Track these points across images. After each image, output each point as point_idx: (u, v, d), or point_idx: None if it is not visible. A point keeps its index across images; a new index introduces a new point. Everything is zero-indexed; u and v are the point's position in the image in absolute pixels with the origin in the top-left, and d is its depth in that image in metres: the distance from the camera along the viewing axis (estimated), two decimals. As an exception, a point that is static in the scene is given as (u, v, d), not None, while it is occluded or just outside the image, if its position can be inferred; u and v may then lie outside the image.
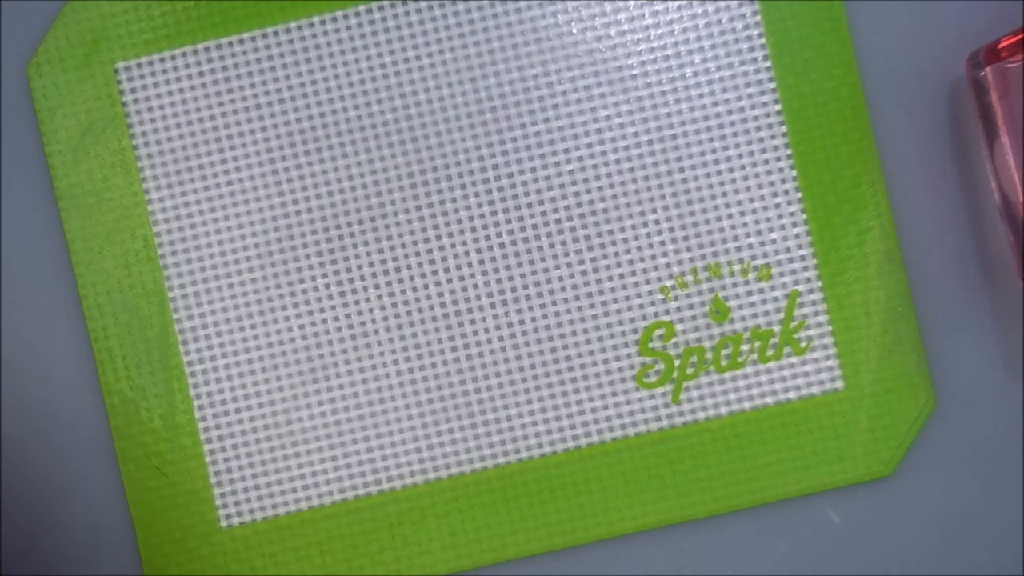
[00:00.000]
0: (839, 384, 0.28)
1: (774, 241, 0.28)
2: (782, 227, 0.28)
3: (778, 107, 0.28)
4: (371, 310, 0.28)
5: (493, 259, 0.28)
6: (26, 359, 0.29)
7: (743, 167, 0.28)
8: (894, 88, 0.28)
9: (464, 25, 0.28)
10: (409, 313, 0.28)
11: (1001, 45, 0.26)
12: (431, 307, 0.28)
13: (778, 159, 0.28)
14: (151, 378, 0.28)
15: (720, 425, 0.28)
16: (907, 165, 0.29)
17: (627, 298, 0.28)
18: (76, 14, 0.28)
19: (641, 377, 0.28)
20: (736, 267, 0.28)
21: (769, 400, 0.28)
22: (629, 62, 0.28)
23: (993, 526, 0.28)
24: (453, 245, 0.28)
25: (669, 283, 0.28)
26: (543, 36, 0.28)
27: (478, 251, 0.28)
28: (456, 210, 0.28)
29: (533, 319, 0.28)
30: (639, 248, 0.28)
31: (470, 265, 0.28)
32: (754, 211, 0.28)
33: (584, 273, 0.28)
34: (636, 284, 0.28)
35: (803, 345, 0.28)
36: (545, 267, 0.28)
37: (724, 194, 0.28)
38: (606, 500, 0.28)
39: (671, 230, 0.28)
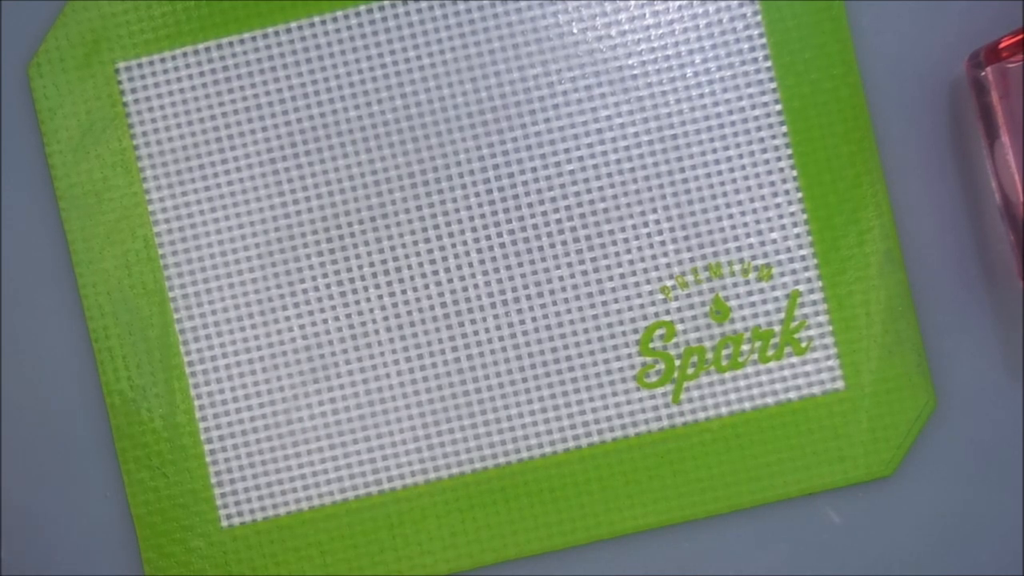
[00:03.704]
0: (839, 384, 0.28)
1: (774, 241, 0.28)
2: (782, 227, 0.28)
3: (778, 107, 0.28)
4: (371, 310, 0.28)
5: (493, 259, 0.28)
6: (26, 359, 0.29)
7: (743, 167, 0.28)
8: (894, 88, 0.29)
9: (464, 25, 0.28)
10: (409, 313, 0.28)
11: (1001, 45, 0.26)
12: (431, 307, 0.28)
13: (778, 159, 0.28)
14: (151, 378, 0.28)
15: (720, 425, 0.28)
16: (907, 165, 0.29)
17: (627, 298, 0.28)
18: (76, 14, 0.28)
19: (642, 377, 0.28)
20: (736, 267, 0.28)
21: (769, 400, 0.28)
22: (629, 62, 0.28)
23: (993, 526, 0.28)
24: (453, 245, 0.28)
25: (669, 283, 0.28)
26: (543, 36, 0.28)
27: (478, 251, 0.28)
28: (456, 210, 0.28)
29: (533, 319, 0.28)
30: (639, 248, 0.28)
31: (470, 265, 0.28)
32: (754, 211, 0.28)
33: (584, 273, 0.28)
34: (636, 284, 0.28)
35: (803, 345, 0.28)
36: (545, 267, 0.28)
37: (724, 194, 0.28)
38: (606, 500, 0.28)
39: (671, 230, 0.28)
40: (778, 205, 0.28)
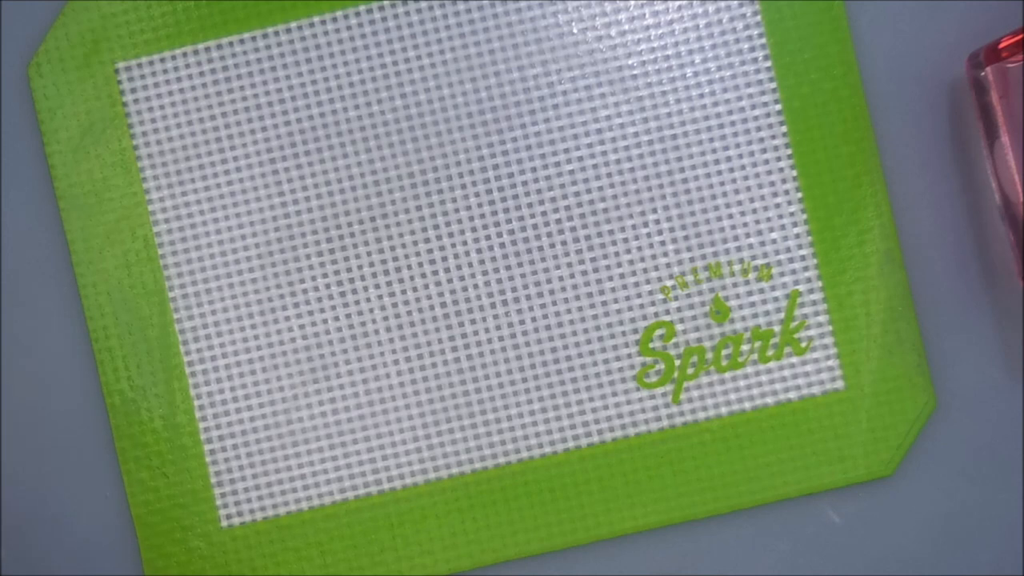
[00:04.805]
0: (839, 384, 0.28)
1: (774, 241, 0.28)
2: (782, 227, 0.28)
3: (778, 107, 0.28)
4: (371, 310, 0.28)
5: (493, 259, 0.28)
6: (26, 359, 0.29)
7: (743, 167, 0.28)
8: (894, 88, 0.29)
9: (464, 25, 0.28)
10: (409, 313, 0.28)
11: (1001, 45, 0.26)
12: (431, 307, 0.28)
13: (778, 159, 0.28)
14: (151, 378, 0.28)
15: (720, 425, 0.28)
16: (907, 165, 0.29)
17: (627, 298, 0.28)
18: (76, 14, 0.28)
19: (641, 377, 0.28)
20: (736, 267, 0.28)
21: (769, 400, 0.28)
22: (629, 62, 0.28)
23: (993, 526, 0.28)
24: (453, 245, 0.28)
25: (669, 283, 0.28)
26: (543, 36, 0.28)
27: (478, 251, 0.28)
28: (456, 210, 0.28)
29: (533, 319, 0.28)
30: (639, 248, 0.28)
31: (470, 265, 0.28)
32: (754, 211, 0.28)
33: (584, 273, 0.28)
34: (636, 284, 0.28)
35: (803, 345, 0.28)
36: (545, 267, 0.28)
37: (724, 194, 0.28)
38: (606, 500, 0.28)
39: (671, 230, 0.28)
40: (778, 205, 0.28)
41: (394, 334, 0.28)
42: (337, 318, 0.28)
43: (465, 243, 0.28)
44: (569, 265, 0.28)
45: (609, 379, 0.28)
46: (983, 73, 0.27)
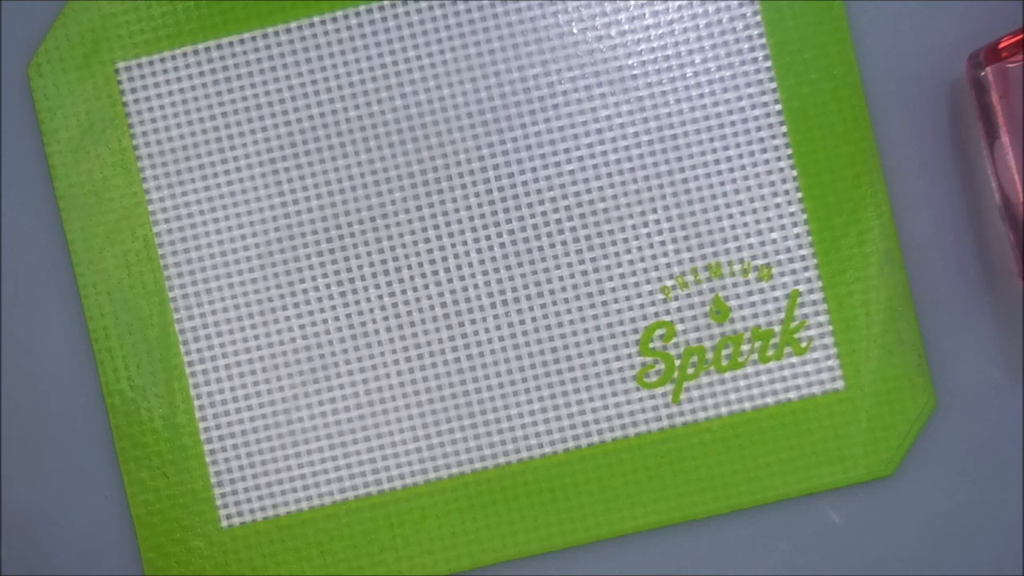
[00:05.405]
0: (839, 384, 0.28)
1: (774, 241, 0.28)
2: (782, 227, 0.28)
3: (778, 107, 0.28)
4: (371, 310, 0.28)
5: (493, 259, 0.28)
6: (26, 359, 0.29)
7: (743, 167, 0.28)
8: (894, 88, 0.29)
9: (464, 25, 0.28)
10: (409, 313, 0.28)
11: (1001, 45, 0.26)
12: (431, 307, 0.28)
13: (778, 159, 0.28)
14: (151, 378, 0.28)
15: (720, 425, 0.28)
16: (907, 165, 0.29)
17: (627, 298, 0.28)
18: (76, 14, 0.28)
19: (641, 377, 0.28)
20: (736, 267, 0.28)
21: (769, 400, 0.28)
22: (629, 62, 0.28)
23: (993, 526, 0.28)
24: (453, 245, 0.28)
25: (670, 283, 0.28)
26: (543, 36, 0.28)
27: (478, 251, 0.28)
28: (456, 210, 0.28)
29: (533, 319, 0.28)
30: (639, 248, 0.28)
31: (470, 265, 0.28)
32: (754, 211, 0.28)
33: (584, 273, 0.28)
34: (636, 284, 0.28)
35: (803, 345, 0.28)
36: (545, 267, 0.28)
37: (724, 194, 0.28)
38: (606, 500, 0.28)
39: (671, 230, 0.28)
40: (778, 205, 0.28)
41: (394, 334, 0.28)
42: (337, 318, 0.28)
43: (465, 243, 0.28)
44: (569, 265, 0.28)
45: (609, 379, 0.28)
46: (983, 73, 0.27)
